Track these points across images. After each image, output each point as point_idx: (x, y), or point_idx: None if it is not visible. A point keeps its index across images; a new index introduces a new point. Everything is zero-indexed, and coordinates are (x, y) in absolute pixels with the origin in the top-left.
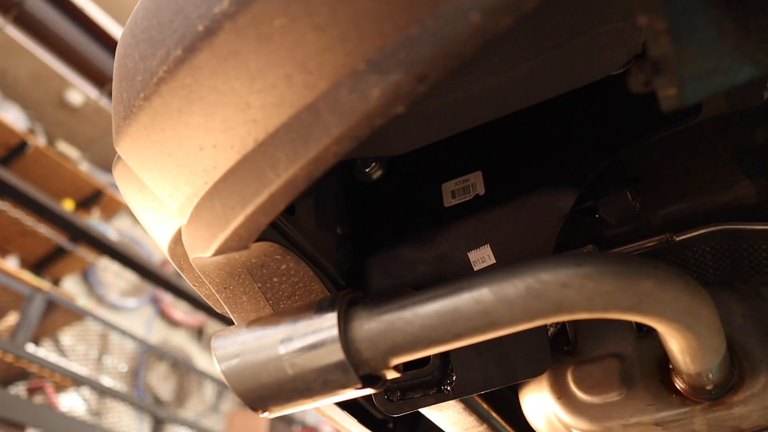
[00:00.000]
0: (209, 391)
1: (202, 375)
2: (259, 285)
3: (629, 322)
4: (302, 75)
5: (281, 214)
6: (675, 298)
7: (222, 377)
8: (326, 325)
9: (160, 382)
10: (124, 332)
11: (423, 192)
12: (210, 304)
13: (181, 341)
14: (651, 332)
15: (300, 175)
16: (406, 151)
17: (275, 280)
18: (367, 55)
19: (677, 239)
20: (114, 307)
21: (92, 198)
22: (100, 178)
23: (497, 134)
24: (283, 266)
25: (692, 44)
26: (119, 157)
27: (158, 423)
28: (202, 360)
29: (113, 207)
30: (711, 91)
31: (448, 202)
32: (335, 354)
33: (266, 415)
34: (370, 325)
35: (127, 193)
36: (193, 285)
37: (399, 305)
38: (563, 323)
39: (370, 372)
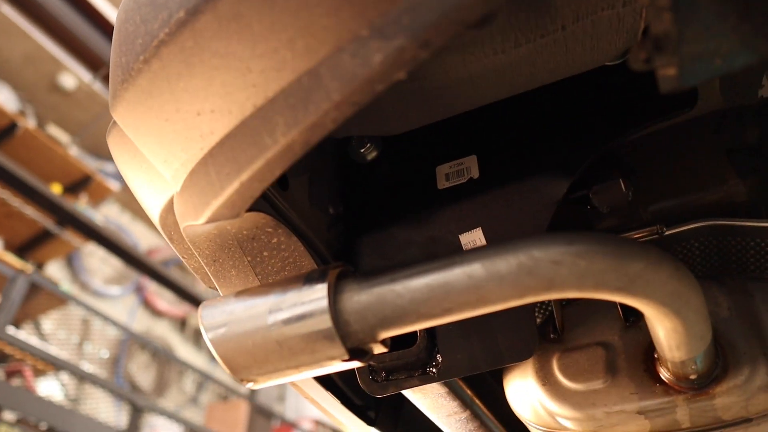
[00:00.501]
0: (189, 382)
1: (184, 366)
2: (249, 259)
3: (616, 312)
4: (305, 39)
5: (275, 188)
6: (665, 281)
7: (211, 348)
8: (316, 296)
9: (141, 371)
10: (106, 319)
11: (417, 174)
12: (198, 277)
13: (164, 331)
14: (637, 322)
15: (298, 141)
16: (403, 131)
17: (265, 254)
18: (371, 21)
19: (667, 233)
20: (97, 294)
21: (80, 183)
22: (89, 163)
23: (493, 119)
24: (274, 240)
25: (694, 23)
26: (114, 123)
27: (137, 411)
28: (183, 351)
29: (101, 193)
30: (710, 75)
31: (442, 184)
32: (324, 324)
33: (251, 385)
34: (360, 297)
35: (121, 161)
36: (183, 257)
37: (389, 278)
38: (551, 311)
39: (358, 345)
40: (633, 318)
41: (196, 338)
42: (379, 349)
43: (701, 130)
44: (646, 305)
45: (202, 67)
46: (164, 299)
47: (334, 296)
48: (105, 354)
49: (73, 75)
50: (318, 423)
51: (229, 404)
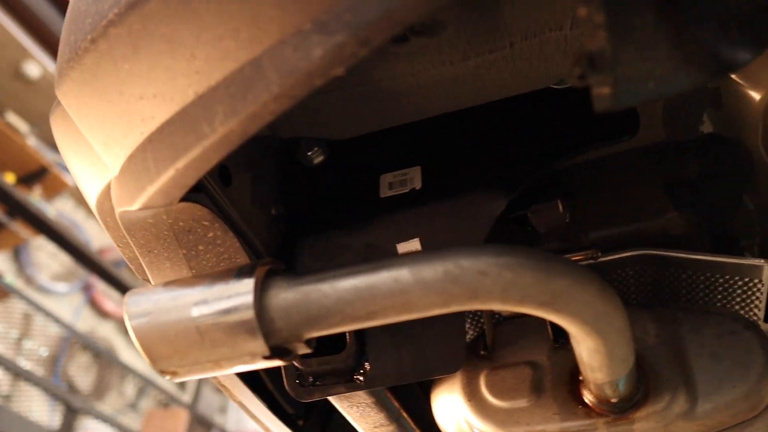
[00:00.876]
0: (130, 387)
1: (126, 370)
2: (184, 251)
3: (546, 332)
4: (250, 29)
5: (217, 183)
6: (589, 300)
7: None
8: (242, 290)
9: (81, 372)
10: (49, 315)
11: (361, 181)
12: (133, 269)
13: (109, 333)
14: (566, 344)
15: (236, 131)
16: (351, 136)
17: (201, 248)
18: (315, 16)
19: (603, 259)
20: (42, 290)
21: (36, 175)
22: (47, 155)
23: (440, 132)
24: (210, 234)
25: (629, 45)
26: (58, 103)
27: (71, 413)
28: (127, 354)
29: (57, 187)
30: (643, 97)
31: (385, 193)
32: (247, 319)
33: (171, 378)
34: (286, 295)
35: (62, 142)
36: (118, 246)
37: (317, 278)
38: (482, 328)
39: (281, 343)
40: (562, 340)
41: None
42: (303, 349)
43: (643, 161)
44: (570, 323)
45: (148, 50)
46: (112, 300)
47: (260, 292)
48: (44, 352)
49: (38, 64)
50: None
51: (169, 412)
